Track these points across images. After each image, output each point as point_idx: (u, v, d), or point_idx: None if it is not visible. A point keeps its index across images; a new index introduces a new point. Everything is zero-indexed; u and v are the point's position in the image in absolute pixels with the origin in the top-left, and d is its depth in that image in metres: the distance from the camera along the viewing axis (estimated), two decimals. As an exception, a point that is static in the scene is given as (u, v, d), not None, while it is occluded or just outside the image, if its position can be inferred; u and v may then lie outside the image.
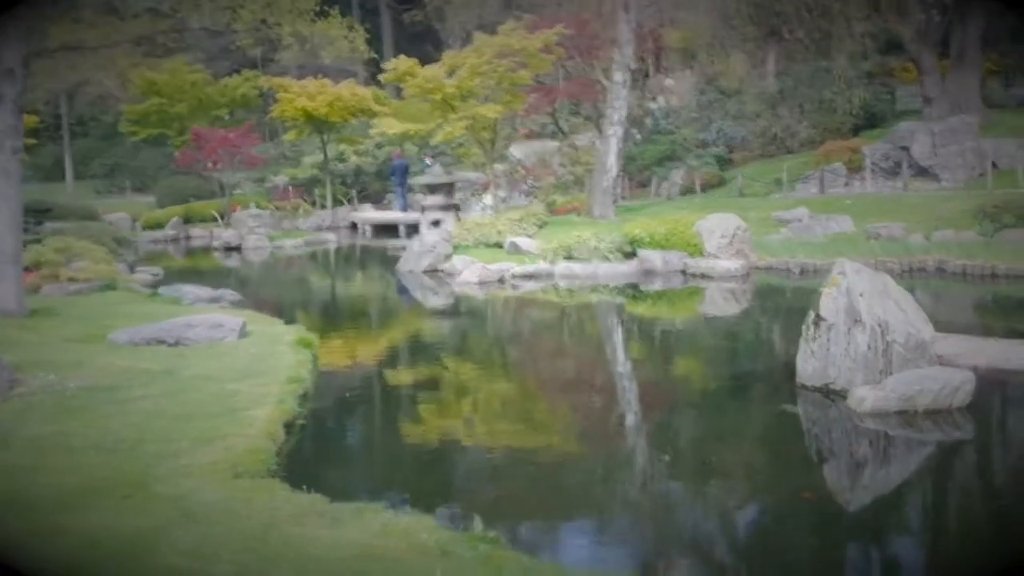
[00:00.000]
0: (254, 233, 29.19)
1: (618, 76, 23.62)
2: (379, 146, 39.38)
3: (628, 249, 19.23)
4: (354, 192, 36.94)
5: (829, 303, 8.92)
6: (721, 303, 16.53)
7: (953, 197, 21.85)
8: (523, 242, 20.65)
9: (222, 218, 31.96)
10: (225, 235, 29.47)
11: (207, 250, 29.62)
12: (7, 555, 5.21)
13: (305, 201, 35.79)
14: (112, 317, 13.71)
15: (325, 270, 25.73)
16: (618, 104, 23.76)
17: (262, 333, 12.92)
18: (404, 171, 33.19)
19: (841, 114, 31.79)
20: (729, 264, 18.00)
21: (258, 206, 33.05)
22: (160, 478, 6.88)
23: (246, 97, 39.68)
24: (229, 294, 17.25)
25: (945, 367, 8.59)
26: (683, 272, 18.53)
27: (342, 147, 38.35)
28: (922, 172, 25.71)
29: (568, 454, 8.37)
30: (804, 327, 9.23)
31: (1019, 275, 15.66)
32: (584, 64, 27.31)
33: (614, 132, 23.84)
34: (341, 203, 36.23)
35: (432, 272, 20.58)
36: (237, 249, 28.64)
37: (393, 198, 35.86)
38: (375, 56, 28.07)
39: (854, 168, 27.59)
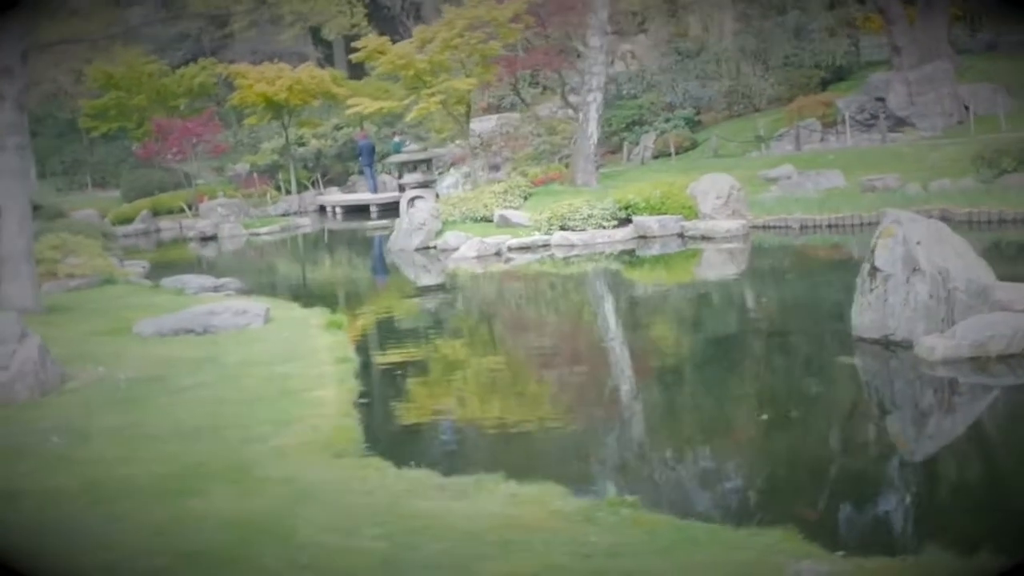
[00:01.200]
0: (228, 222, 28.75)
1: (595, 41, 23.45)
2: (338, 128, 38.94)
3: (622, 215, 19.14)
4: (318, 175, 36.50)
5: (885, 253, 8.89)
6: (741, 261, 16.64)
7: (939, 146, 22.06)
8: (513, 214, 20.52)
9: (190, 209, 31.44)
10: (199, 225, 29.01)
11: (180, 241, 29.15)
12: (150, 544, 5.05)
13: (270, 187, 35.31)
14: (128, 309, 13.45)
15: (312, 254, 25.50)
16: (596, 70, 23.61)
17: (285, 317, 12.77)
18: (371, 151, 32.83)
19: (808, 68, 31.93)
20: (729, 224, 18.01)
21: (225, 195, 32.57)
22: (257, 462, 6.75)
23: (204, 86, 38.94)
24: (232, 282, 17.03)
25: (1011, 312, 8.60)
26: (680, 235, 18.49)
27: (301, 131, 37.86)
28: (899, 123, 25.87)
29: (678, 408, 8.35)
30: (859, 279, 9.21)
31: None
32: (557, 31, 27.10)
33: (593, 98, 23.70)
34: (306, 187, 35.80)
35: (424, 249, 20.37)
36: (213, 239, 28.22)
37: (358, 179, 35.56)
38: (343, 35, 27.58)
39: (828, 122, 27.71)
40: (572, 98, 35.22)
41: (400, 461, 6.72)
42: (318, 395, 8.55)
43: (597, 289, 16.00)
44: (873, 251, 9.02)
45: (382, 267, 20.35)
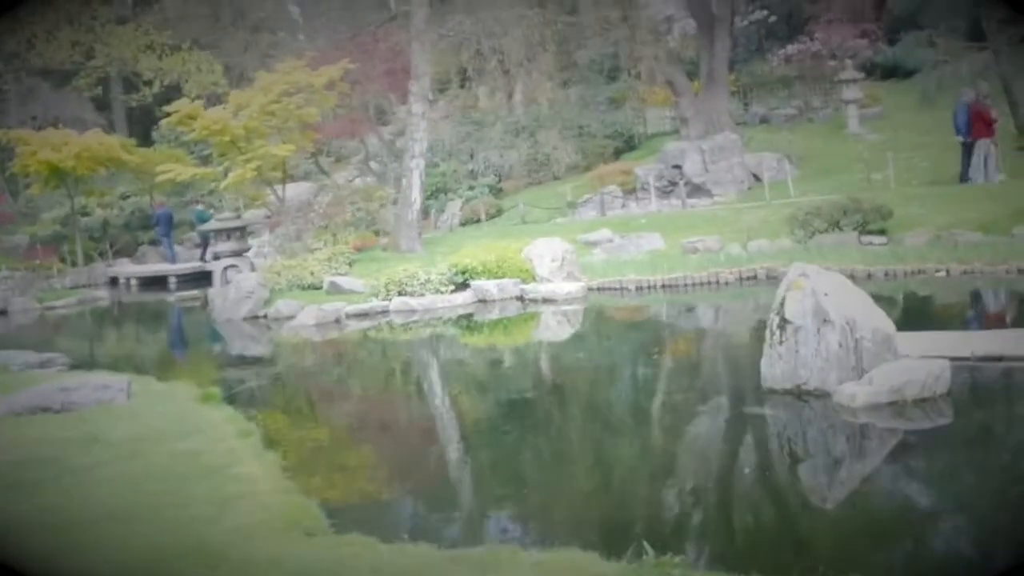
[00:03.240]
0: (18, 295, 26.94)
1: (417, 107, 23.62)
2: (124, 196, 37.45)
3: (459, 280, 19.20)
4: (107, 246, 34.83)
5: (795, 305, 9.31)
6: (588, 321, 17.00)
7: (744, 210, 23.33)
8: (344, 281, 20.25)
9: (-32, 283, 29.29)
10: (-12, 299, 27.04)
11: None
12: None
13: (55, 259, 33.37)
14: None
15: (120, 327, 24.22)
16: (418, 136, 23.76)
17: (146, 391, 12.05)
18: (168, 221, 31.71)
19: (601, 138, 33.24)
20: (569, 287, 18.37)
21: (7, 267, 30.53)
22: (226, 543, 6.33)
23: (-20, 152, 36.73)
24: (59, 357, 15.97)
25: (923, 359, 9.16)
26: (520, 299, 18.71)
27: (86, 200, 36.10)
28: (696, 189, 27.26)
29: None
30: (768, 331, 9.60)
31: (846, 275, 16.83)
32: (374, 98, 27.13)
33: (416, 164, 23.80)
34: (92, 259, 34.05)
35: (253, 319, 19.75)
36: (2, 313, 26.35)
37: (148, 250, 34.27)
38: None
39: (629, 189, 28.87)
40: (373, 164, 35.37)
41: (379, 536, 6.45)
42: (242, 471, 8.10)
43: (443, 354, 15.88)
44: (782, 303, 9.41)
45: (210, 337, 19.59)
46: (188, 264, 30.59)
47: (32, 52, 11.78)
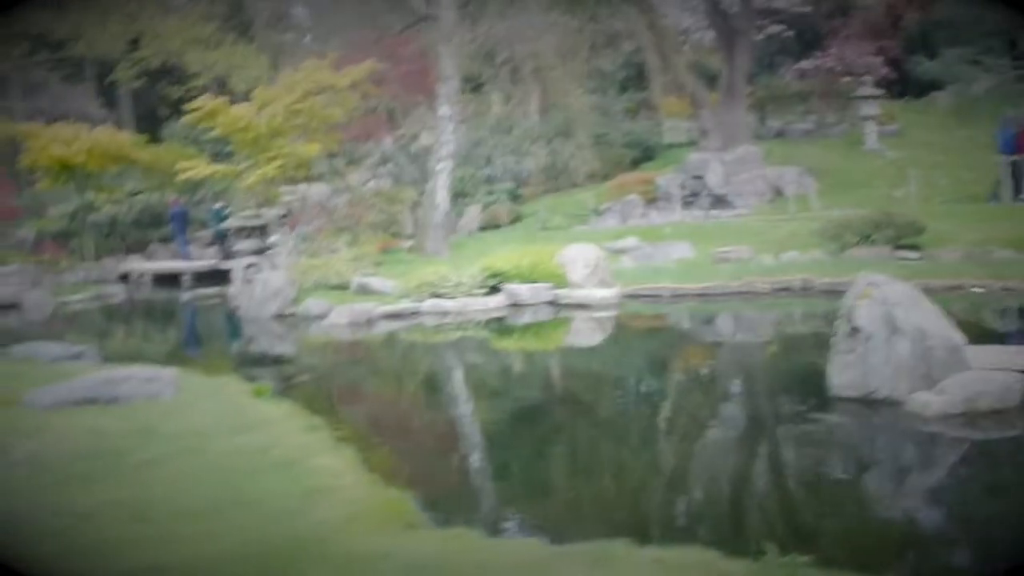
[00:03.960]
0: (37, 289, 26.78)
1: (444, 110, 23.56)
2: (133, 194, 37.27)
3: (491, 283, 19.12)
4: (118, 242, 34.66)
5: (865, 314, 9.26)
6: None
7: (771, 222, 23.31)
8: (373, 282, 20.10)
9: (-27, 276, 29.12)
10: (1, 292, 26.83)
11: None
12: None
13: (63, 254, 33.20)
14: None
15: (144, 321, 24.07)
16: (446, 139, 23.68)
17: (192, 385, 11.88)
18: (183, 218, 31.56)
19: (619, 147, 33.20)
20: (604, 292, 18.29)
21: (19, 262, 30.36)
22: (321, 536, 6.16)
23: (-9, 144, 36.46)
24: (88, 350, 15.75)
25: (992, 370, 9.11)
26: (552, 303, 18.63)
27: (94, 196, 35.91)
28: (717, 200, 27.22)
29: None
30: (835, 338, 9.54)
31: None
32: (402, 100, 27.07)
33: (444, 167, 23.72)
34: (101, 255, 33.88)
35: (280, 317, 19.63)
36: (14, 307, 26.16)
37: (157, 247, 34.13)
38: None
39: (650, 199, 28.82)
40: (389, 167, 35.23)
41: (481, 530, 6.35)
42: (320, 464, 7.97)
43: (496, 354, 15.78)
44: (851, 312, 9.36)
45: (234, 334, 19.50)
46: (203, 262, 30.42)
47: (81, 41, 11.65)
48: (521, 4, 22.95)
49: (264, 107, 23.36)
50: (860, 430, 9.16)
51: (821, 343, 13.89)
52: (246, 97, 25.34)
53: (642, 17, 28.61)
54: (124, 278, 31.85)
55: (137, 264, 32.34)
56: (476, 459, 9.44)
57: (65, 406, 10.72)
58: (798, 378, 11.92)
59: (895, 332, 9.12)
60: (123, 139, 33.68)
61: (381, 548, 5.91)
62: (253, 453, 8.43)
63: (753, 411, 10.33)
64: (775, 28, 37.42)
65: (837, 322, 9.64)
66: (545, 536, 6.27)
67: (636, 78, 36.88)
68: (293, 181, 24.61)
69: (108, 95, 45.97)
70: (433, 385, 14.07)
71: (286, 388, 12.61)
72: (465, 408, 12.25)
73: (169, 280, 30.11)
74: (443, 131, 23.70)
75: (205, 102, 23.95)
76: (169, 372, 11.74)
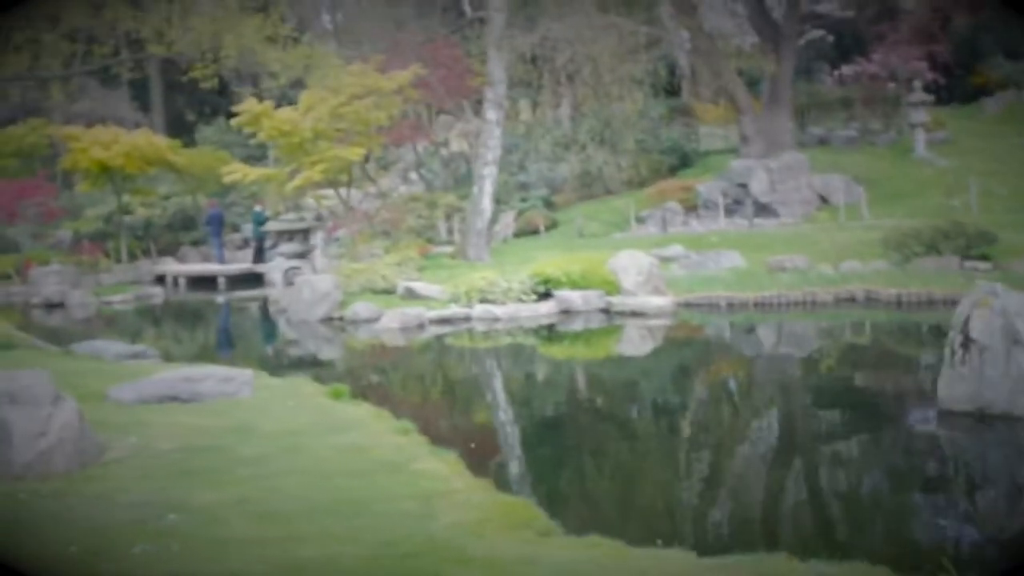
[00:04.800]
0: (79, 288, 26.74)
1: (491, 115, 23.36)
2: (166, 197, 37.17)
3: (541, 289, 18.88)
4: (151, 245, 34.58)
5: (982, 325, 8.96)
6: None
7: (822, 230, 23.00)
8: (420, 287, 19.90)
9: (17, 275, 29.05)
10: (46, 291, 26.83)
11: (14, 308, 26.66)
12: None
13: (100, 255, 33.11)
14: (71, 375, 11.93)
15: (188, 322, 24.01)
16: (492, 143, 23.47)
17: (266, 386, 11.71)
18: (220, 221, 31.46)
19: (656, 154, 32.88)
20: (660, 301, 18.06)
21: (59, 262, 30.31)
22: (456, 542, 5.94)
23: (34, 146, 36.40)
24: (148, 350, 15.68)
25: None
26: (606, 311, 18.37)
27: (128, 199, 35.86)
28: (761, 208, 26.90)
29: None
30: (948, 350, 9.24)
31: (954, 301, 16.50)
32: (445, 104, 26.88)
33: (489, 172, 23.52)
34: (135, 256, 33.80)
35: (328, 320, 19.44)
36: (59, 306, 26.12)
37: (188, 250, 34.02)
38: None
39: (690, 206, 28.54)
40: (422, 172, 35.07)
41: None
42: (426, 467, 7.75)
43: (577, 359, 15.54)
44: (966, 322, 9.07)
45: (278, 336, 19.37)
46: (238, 265, 30.31)
47: (162, 41, 11.55)
48: (579, 4, 22.66)
49: (309, 110, 23.17)
50: (973, 445, 8.87)
51: (911, 355, 13.79)
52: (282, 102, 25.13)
53: (685, 20, 28.37)
54: (159, 280, 31.74)
55: (173, 266, 32.23)
56: (577, 467, 9.19)
57: (149, 402, 10.71)
58: (898, 391, 11.67)
59: (1016, 344, 8.83)
60: (160, 143, 33.61)
61: (523, 554, 5.72)
62: (353, 453, 8.29)
63: (860, 426, 10.04)
64: (815, 33, 37.06)
65: (949, 334, 9.32)
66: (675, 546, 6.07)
67: (670, 83, 36.55)
68: (334, 185, 24.39)
69: (142, 99, 46.07)
70: (509, 392, 13.82)
71: (359, 390, 12.35)
72: (547, 417, 11.99)
73: (203, 282, 29.99)
74: (490, 136, 23.50)
75: (251, 106, 23.77)
76: (246, 372, 11.62)
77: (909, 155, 29.83)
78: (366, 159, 34.00)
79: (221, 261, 30.97)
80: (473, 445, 9.03)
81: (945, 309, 16.36)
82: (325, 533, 6.13)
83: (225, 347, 19.82)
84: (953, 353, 9.18)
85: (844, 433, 10.01)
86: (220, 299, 27.02)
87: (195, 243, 34.58)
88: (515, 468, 8.92)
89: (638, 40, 25.09)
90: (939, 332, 15.29)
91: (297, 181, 23.85)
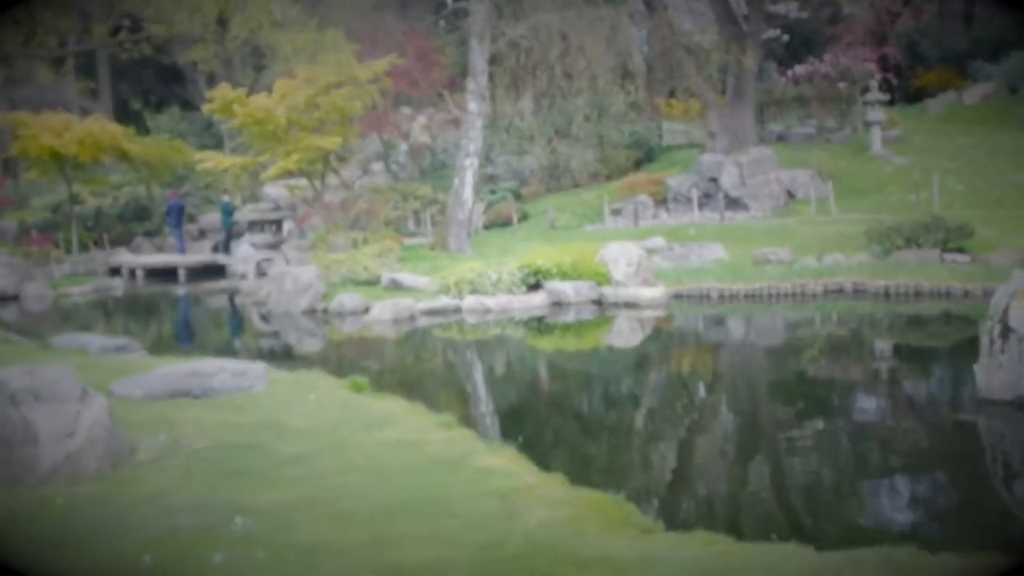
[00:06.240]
0: (31, 280, 25.92)
1: (473, 105, 23.09)
2: (118, 187, 36.31)
3: (531, 281, 18.71)
4: (102, 236, 33.72)
5: (1020, 315, 8.97)
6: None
7: (795, 224, 23.18)
8: (406, 278, 19.62)
9: (-43, 266, 28.12)
10: (-2, 283, 25.99)
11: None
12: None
13: (50, 246, 32.19)
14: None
15: (168, 316, 23.42)
16: (473, 134, 23.20)
17: (286, 379, 11.39)
18: (180, 211, 30.73)
19: (622, 148, 32.89)
20: (653, 292, 17.97)
21: (6, 253, 29.41)
22: (554, 541, 5.73)
23: (-19, 134, 35.37)
24: (133, 343, 15.20)
25: None
26: (597, 302, 18.27)
27: (79, 188, 34.91)
28: (732, 203, 26.99)
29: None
30: (987, 340, 9.25)
31: (941, 292, 16.73)
32: (432, 94, 26.53)
33: (470, 163, 23.24)
34: (87, 248, 32.93)
35: (310, 312, 19.07)
36: (13, 299, 25.28)
37: (140, 241, 33.24)
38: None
39: (659, 200, 28.56)
40: (382, 164, 34.69)
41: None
42: (489, 464, 7.52)
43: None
44: (1005, 311, 9.07)
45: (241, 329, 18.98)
46: (199, 256, 29.68)
47: (161, 20, 11.12)
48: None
49: (284, 99, 22.70)
50: (1013, 433, 8.90)
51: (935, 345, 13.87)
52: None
53: (653, 16, 28.34)
54: (115, 271, 30.93)
55: (130, 258, 31.43)
56: (641, 460, 9.07)
57: (160, 398, 10.31)
58: (933, 381, 11.72)
59: (1057, 334, 8.85)
60: (115, 130, 32.68)
61: (638, 553, 5.52)
62: (403, 449, 8.03)
63: (902, 414, 10.06)
64: (771, 33, 37.32)
65: (986, 323, 9.33)
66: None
67: (632, 79, 36.54)
68: (308, 175, 23.95)
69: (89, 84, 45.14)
70: (535, 385, 13.65)
71: (378, 383, 12.06)
72: (588, 410, 11.84)
73: (161, 274, 29.31)
74: (471, 127, 23.23)
75: (223, 92, 23.22)
76: (258, 366, 11.28)
77: (864, 152, 30.22)
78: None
79: (182, 252, 30.29)
80: (521, 439, 8.75)
81: (931, 300, 16.61)
82: (415, 536, 5.87)
83: (186, 338, 19.41)
84: (992, 343, 9.18)
85: (895, 424, 10.02)
86: (181, 291, 26.46)
87: (149, 234, 33.79)
88: (579, 462, 8.71)
89: (629, 34, 24.97)
90: (950, 320, 15.56)
91: (272, 171, 23.36)
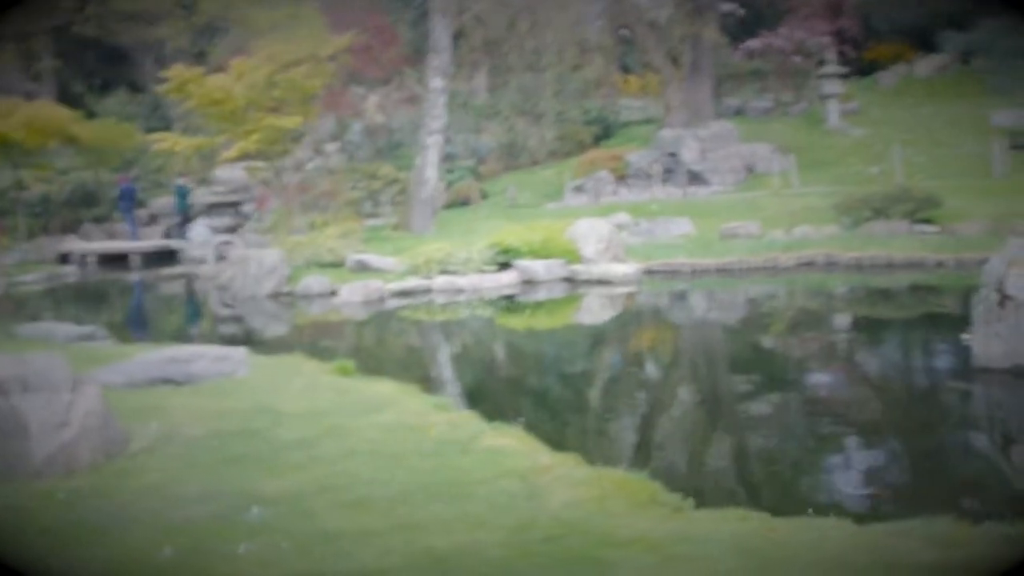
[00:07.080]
0: (-18, 268, 25.29)
1: (436, 83, 22.77)
2: (64, 172, 35.51)
3: (501, 259, 18.54)
4: (49, 222, 32.97)
5: (1019, 282, 8.96)
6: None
7: (759, 198, 23.20)
8: (372, 259, 19.34)
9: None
10: (-53, 273, 25.26)
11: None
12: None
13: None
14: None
15: (117, 301, 22.89)
16: (436, 112, 22.88)
17: (267, 363, 11.12)
18: (131, 196, 30.10)
19: (580, 124, 32.78)
20: (625, 268, 17.88)
21: (-45, 240, 28.65)
22: (578, 521, 5.58)
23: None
24: (98, 330, 14.81)
25: None
26: (568, 280, 18.14)
27: (24, 174, 34.09)
28: (693, 177, 26.98)
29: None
30: (983, 308, 9.24)
31: (914, 263, 16.82)
32: (389, 71, 26.13)
33: (434, 142, 22.92)
34: (34, 235, 32.19)
35: (275, 296, 18.73)
36: (-37, 287, 24.58)
37: (89, 228, 32.57)
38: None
39: (620, 176, 28.49)
40: (334, 144, 34.24)
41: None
42: (496, 444, 7.34)
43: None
44: (1002, 279, 9.05)
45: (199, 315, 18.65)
46: (152, 241, 29.10)
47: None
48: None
49: (242, 78, 22.20)
50: (1012, 401, 8.91)
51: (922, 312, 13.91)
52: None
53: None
54: (64, 258, 30.23)
55: (80, 244, 30.74)
56: (649, 436, 8.97)
57: (141, 386, 10.01)
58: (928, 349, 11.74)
59: (1056, 301, 8.85)
60: (63, 114, 31.94)
61: (674, 531, 5.39)
62: (406, 433, 7.83)
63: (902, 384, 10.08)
64: (728, 6, 37.29)
65: (981, 291, 9.32)
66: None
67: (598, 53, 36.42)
68: (267, 157, 23.51)
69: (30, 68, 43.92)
70: (519, 362, 13.50)
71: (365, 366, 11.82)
72: (581, 386, 11.69)
73: (114, 260, 28.70)
74: (434, 105, 22.92)
75: (179, 72, 22.67)
76: (239, 351, 10.99)
77: (821, 125, 30.42)
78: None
79: (134, 238, 29.69)
80: (522, 419, 8.59)
81: (904, 271, 16.69)
82: (440, 520, 5.69)
83: (140, 324, 19.06)
84: (988, 311, 9.17)
85: (897, 391, 10.03)
86: (136, 277, 25.92)
87: (98, 220, 33.10)
88: (590, 441, 8.57)
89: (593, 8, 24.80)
90: (929, 291, 15.63)
91: (232, 151, 22.88)
